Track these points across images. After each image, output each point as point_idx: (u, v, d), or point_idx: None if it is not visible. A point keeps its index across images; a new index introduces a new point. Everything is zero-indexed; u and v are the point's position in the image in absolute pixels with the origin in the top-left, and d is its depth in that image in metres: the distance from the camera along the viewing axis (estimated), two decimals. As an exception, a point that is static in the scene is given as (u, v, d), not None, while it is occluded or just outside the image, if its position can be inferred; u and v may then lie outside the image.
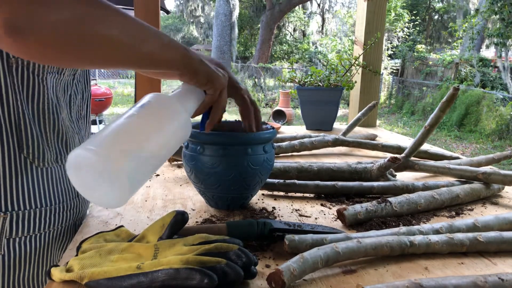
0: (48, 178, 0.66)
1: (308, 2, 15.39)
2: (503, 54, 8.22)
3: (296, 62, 14.30)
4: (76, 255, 0.53)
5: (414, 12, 14.48)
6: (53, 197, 0.67)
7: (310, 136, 1.27)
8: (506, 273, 0.49)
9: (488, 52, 11.52)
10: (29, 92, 0.62)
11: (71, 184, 0.71)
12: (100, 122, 5.78)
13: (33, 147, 0.63)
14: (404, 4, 13.38)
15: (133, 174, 0.47)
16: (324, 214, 0.75)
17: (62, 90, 0.69)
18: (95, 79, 10.95)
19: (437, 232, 0.63)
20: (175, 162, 1.09)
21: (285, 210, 0.77)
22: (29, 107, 0.63)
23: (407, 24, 13.17)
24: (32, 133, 0.63)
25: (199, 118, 0.77)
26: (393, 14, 12.42)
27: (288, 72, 2.01)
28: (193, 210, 0.76)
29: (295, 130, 1.64)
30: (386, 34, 12.14)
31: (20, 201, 0.62)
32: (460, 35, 9.32)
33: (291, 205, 0.80)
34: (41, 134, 0.65)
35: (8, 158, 0.61)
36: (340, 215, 0.71)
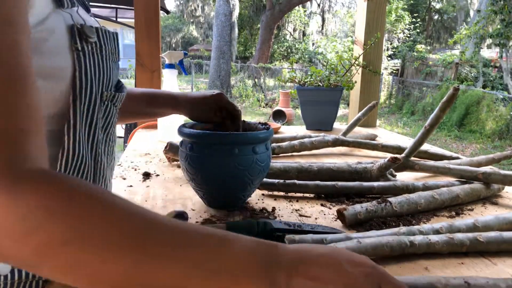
0: None
1: (308, 2, 15.39)
2: (504, 55, 8.23)
3: (296, 62, 14.29)
4: (76, 255, 0.52)
5: (414, 12, 14.47)
6: None
7: (310, 136, 1.27)
8: (476, 276, 0.50)
9: (488, 52, 11.51)
10: (105, 122, 0.57)
11: None
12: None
13: (100, 182, 0.57)
14: (405, 6, 13.35)
15: None
16: (324, 214, 0.75)
17: None
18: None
19: (437, 232, 0.63)
20: (175, 162, 1.09)
21: (285, 210, 0.77)
22: (103, 138, 0.57)
23: (407, 26, 13.16)
24: (104, 168, 0.57)
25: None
26: (393, 15, 12.40)
27: (288, 72, 2.01)
28: (193, 210, 0.76)
29: (295, 130, 1.64)
30: (386, 35, 12.12)
31: None
32: (465, 43, 9.31)
33: (291, 205, 0.80)
34: (107, 165, 0.59)
35: None
36: (340, 215, 0.71)
